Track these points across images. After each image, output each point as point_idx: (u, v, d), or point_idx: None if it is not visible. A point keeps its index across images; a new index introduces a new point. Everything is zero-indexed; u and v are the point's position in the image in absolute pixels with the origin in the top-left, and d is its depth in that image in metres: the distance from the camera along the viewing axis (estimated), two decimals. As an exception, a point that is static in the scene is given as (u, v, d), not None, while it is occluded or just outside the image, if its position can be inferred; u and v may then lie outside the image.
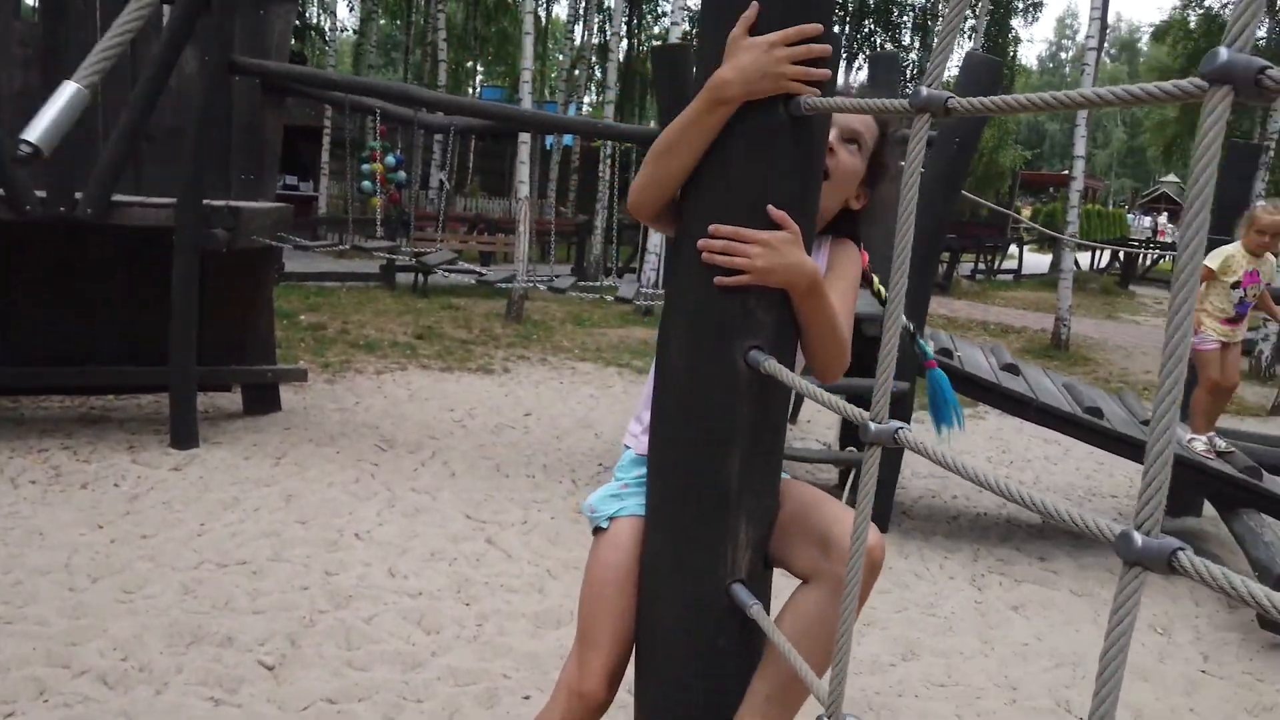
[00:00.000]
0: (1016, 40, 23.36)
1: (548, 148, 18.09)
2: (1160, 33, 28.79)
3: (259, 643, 3.05)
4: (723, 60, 1.27)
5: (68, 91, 1.30)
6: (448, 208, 16.21)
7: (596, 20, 22.06)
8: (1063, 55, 67.69)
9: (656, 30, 25.87)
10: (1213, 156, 0.67)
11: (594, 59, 22.86)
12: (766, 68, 1.23)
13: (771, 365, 1.21)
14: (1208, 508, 4.97)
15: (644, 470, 1.60)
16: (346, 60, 30.86)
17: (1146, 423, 4.58)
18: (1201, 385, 4.62)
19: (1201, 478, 4.18)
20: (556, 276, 7.29)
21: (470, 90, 28.22)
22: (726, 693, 1.36)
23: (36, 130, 1.30)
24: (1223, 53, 0.66)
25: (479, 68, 29.74)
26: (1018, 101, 0.89)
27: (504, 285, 5.69)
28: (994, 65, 3.90)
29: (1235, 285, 4.58)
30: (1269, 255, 4.62)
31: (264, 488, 4.48)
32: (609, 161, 12.53)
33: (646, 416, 1.66)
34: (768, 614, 1.35)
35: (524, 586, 3.65)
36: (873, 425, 0.97)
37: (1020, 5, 22.95)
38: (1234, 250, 4.62)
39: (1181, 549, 0.68)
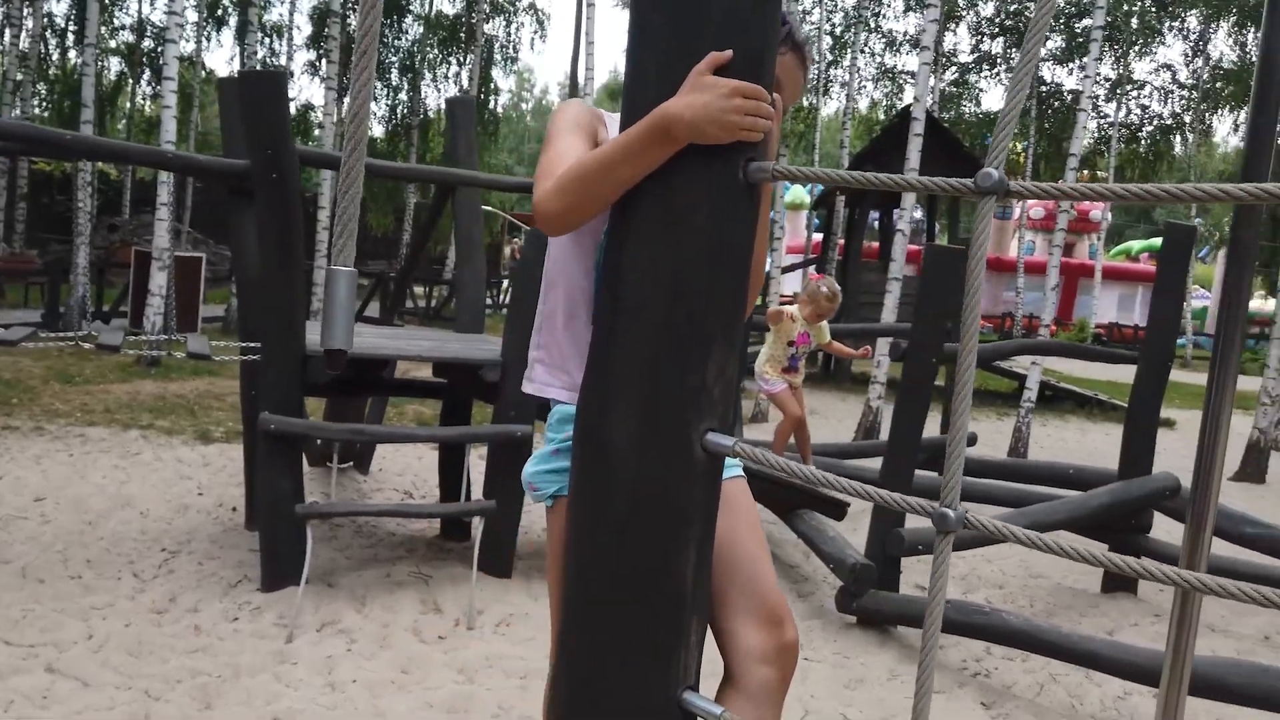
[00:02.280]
0: (496, 90, 24.83)
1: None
2: (614, 93, 32.74)
3: None
4: (678, 91, 1.19)
5: (343, 279, 1.21)
6: None
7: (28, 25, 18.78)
8: (524, 106, 73.75)
9: (114, 44, 22.81)
10: None
11: (34, 69, 19.44)
12: (724, 113, 1.17)
13: (746, 448, 1.11)
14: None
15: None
16: None
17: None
18: (786, 420, 5.34)
19: (782, 489, 4.78)
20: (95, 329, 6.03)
21: None
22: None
23: (337, 334, 1.23)
24: None
25: None
26: (1054, 190, 0.94)
27: (63, 341, 4.53)
28: (468, 102, 4.15)
29: (790, 343, 5.36)
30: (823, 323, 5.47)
31: None
32: (90, 189, 10.72)
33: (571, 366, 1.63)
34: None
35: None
36: (951, 513, 0.94)
37: (500, 58, 24.49)
38: (794, 312, 5.40)
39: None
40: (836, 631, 4.22)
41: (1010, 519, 4.57)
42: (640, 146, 1.21)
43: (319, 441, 5.75)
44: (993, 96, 22.42)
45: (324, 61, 19.45)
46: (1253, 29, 18.05)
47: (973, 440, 7.15)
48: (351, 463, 6.22)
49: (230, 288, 13.37)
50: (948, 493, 0.96)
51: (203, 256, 11.42)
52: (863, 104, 25.54)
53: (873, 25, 21.06)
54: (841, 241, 15.69)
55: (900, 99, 21.96)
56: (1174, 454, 8.15)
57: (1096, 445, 10.20)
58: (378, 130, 22.82)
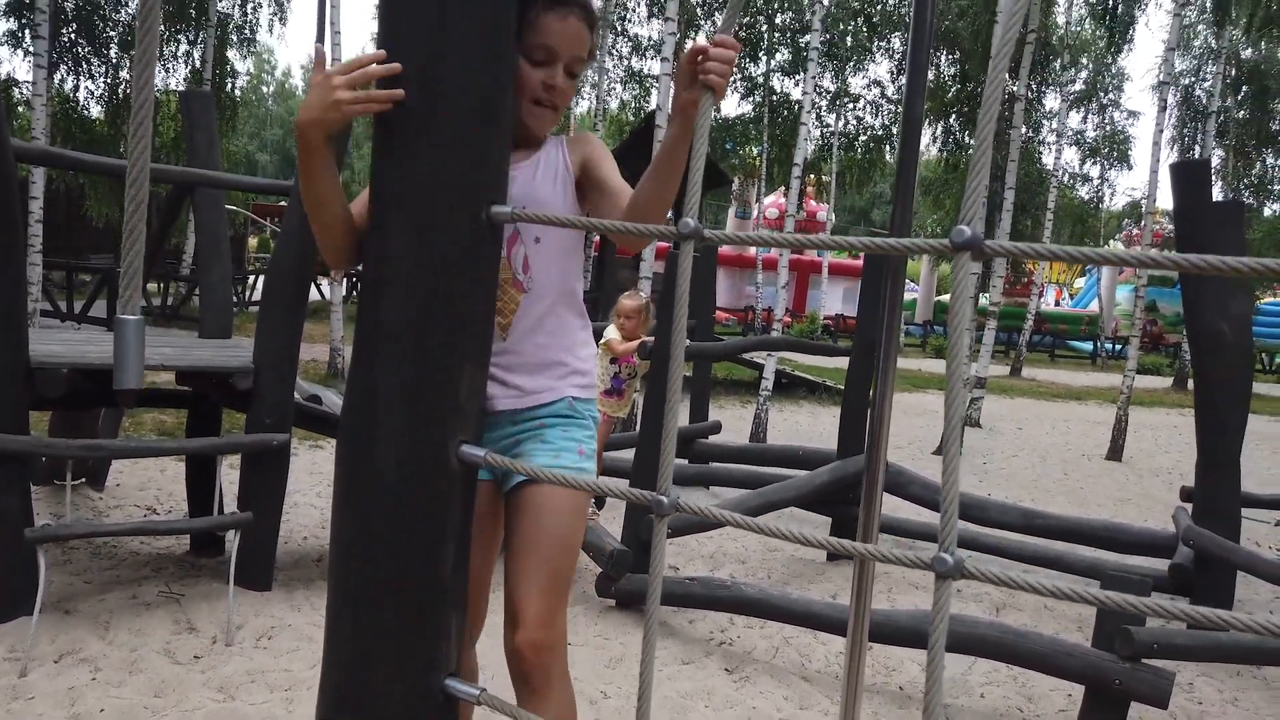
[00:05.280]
0: (233, 73, 23.32)
1: None
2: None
3: None
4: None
5: (131, 327, 1.29)
6: None
7: None
8: (264, 89, 69.49)
9: None
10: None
11: None
12: (325, 99, 1.33)
13: (495, 457, 1.29)
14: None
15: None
16: None
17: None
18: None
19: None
20: None
21: None
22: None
23: (129, 376, 1.28)
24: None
25: None
26: (759, 236, 1.19)
27: None
28: (206, 97, 4.15)
29: (613, 361, 5.41)
30: (645, 340, 5.33)
31: None
32: None
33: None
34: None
35: None
36: (665, 499, 1.16)
37: (236, 39, 23.02)
38: (614, 334, 5.40)
39: (963, 559, 1.03)
40: (598, 615, 4.49)
41: (746, 499, 5.05)
42: (303, 165, 1.39)
43: (43, 459, 5.33)
44: (729, 104, 23.80)
45: (28, 34, 17.58)
46: (944, 52, 20.36)
47: (716, 428, 7.70)
48: (84, 479, 5.79)
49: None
50: (662, 482, 1.18)
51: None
52: (613, 104, 26.24)
53: (619, 29, 21.74)
54: (597, 239, 16.15)
55: (648, 102, 22.84)
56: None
57: (825, 427, 11.22)
58: (95, 110, 20.80)
